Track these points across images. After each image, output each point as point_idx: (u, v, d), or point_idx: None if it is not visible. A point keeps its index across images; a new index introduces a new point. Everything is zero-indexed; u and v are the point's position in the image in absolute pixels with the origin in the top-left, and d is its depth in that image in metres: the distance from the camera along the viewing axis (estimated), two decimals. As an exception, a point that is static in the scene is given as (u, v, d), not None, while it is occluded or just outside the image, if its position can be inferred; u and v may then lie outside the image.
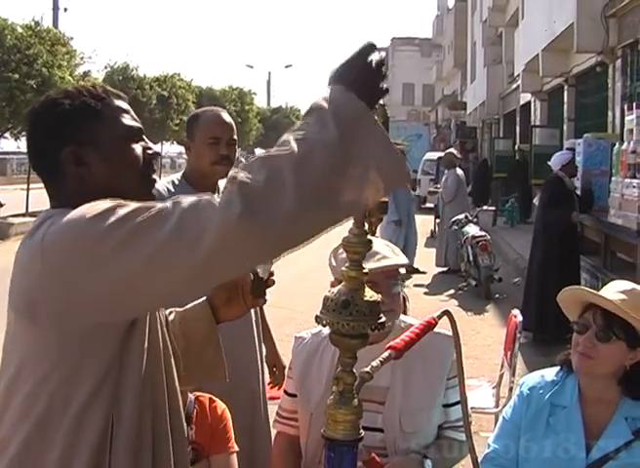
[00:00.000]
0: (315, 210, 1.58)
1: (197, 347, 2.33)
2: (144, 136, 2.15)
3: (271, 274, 2.25)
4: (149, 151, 2.13)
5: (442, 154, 19.84)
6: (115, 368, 1.90)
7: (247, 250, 1.59)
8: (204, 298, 2.35)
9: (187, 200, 1.65)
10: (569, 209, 9.80)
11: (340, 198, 1.59)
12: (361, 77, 1.69)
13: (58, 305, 1.79)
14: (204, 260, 1.60)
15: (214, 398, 3.25)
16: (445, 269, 15.27)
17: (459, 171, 15.73)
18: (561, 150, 15.94)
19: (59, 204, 2.00)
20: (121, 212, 1.72)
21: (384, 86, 1.74)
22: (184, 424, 2.18)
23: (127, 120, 2.11)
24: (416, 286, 13.46)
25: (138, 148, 2.09)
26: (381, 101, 1.94)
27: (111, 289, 1.72)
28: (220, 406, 3.25)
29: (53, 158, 2.02)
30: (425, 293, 13.24)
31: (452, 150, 17.73)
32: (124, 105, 2.14)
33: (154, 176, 2.15)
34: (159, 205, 1.69)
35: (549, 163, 10.43)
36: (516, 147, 25.39)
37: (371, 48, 1.72)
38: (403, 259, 3.04)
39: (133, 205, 1.74)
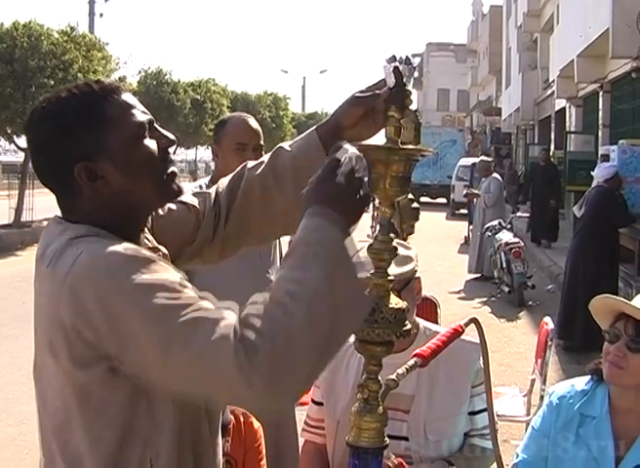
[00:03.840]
0: (320, 360, 1.63)
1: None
2: (157, 125, 1.99)
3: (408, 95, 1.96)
4: (163, 141, 1.96)
5: (476, 160, 19.79)
6: (143, 402, 1.80)
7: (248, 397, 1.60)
8: (315, 136, 2.12)
9: (221, 324, 1.60)
10: (623, 219, 9.84)
11: (340, 338, 1.66)
12: (334, 195, 1.69)
13: (73, 350, 1.72)
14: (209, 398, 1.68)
15: (247, 413, 3.25)
16: (478, 275, 15.21)
17: (498, 176, 15.72)
18: (596, 157, 15.92)
19: (75, 218, 1.89)
20: (157, 284, 1.66)
21: (363, 192, 1.73)
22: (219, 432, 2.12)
23: (135, 116, 1.92)
24: (449, 292, 13.41)
25: (151, 144, 1.92)
26: (414, 107, 1.95)
27: (122, 352, 1.68)
28: (255, 423, 3.24)
29: (63, 176, 1.88)
30: (458, 300, 13.19)
31: (484, 157, 17.77)
32: (129, 99, 1.95)
33: (172, 169, 1.98)
34: (199, 303, 1.66)
35: (593, 174, 10.36)
36: (551, 152, 25.06)
37: (336, 162, 1.72)
38: (406, 268, 2.99)
39: (172, 283, 1.69)
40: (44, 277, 1.80)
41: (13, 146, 22.76)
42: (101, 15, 35.36)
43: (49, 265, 1.78)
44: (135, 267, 1.67)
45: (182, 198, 2.17)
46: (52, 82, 18.72)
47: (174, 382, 1.67)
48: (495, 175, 15.63)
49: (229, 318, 1.61)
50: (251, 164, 2.22)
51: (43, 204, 22.70)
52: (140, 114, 1.94)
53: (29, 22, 19.87)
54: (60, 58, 19.40)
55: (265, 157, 2.20)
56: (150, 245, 2.01)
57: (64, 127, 1.86)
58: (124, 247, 1.73)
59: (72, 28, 20.95)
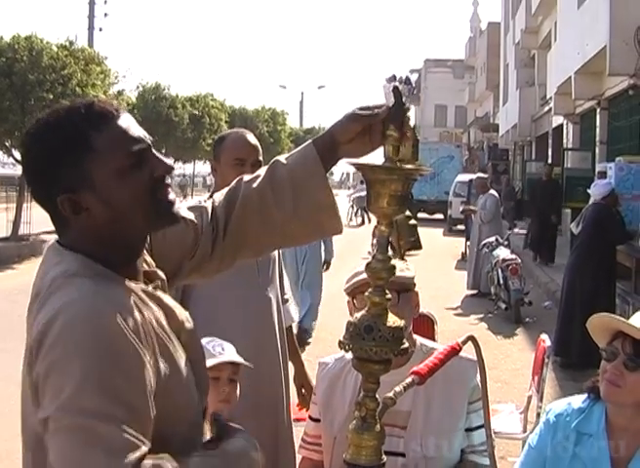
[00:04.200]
0: None
1: (306, 205, 2.06)
2: (153, 150, 1.89)
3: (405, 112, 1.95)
4: (160, 168, 1.87)
5: (473, 177, 19.80)
6: None
7: None
8: (312, 149, 2.06)
9: (126, 459, 1.58)
10: (620, 236, 9.88)
11: None
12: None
13: (34, 393, 1.72)
14: None
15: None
16: (475, 292, 15.23)
17: (495, 193, 15.77)
18: (593, 173, 15.93)
19: (69, 243, 1.85)
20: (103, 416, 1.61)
21: None
22: None
23: (124, 146, 1.82)
24: (446, 308, 13.40)
25: (141, 175, 1.83)
26: (412, 123, 1.96)
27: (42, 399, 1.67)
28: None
29: (50, 206, 1.83)
30: (455, 316, 13.19)
31: (481, 174, 17.87)
32: (122, 124, 1.84)
33: (170, 197, 1.90)
34: (125, 423, 1.62)
35: (589, 191, 10.39)
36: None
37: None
38: (408, 274, 3.01)
39: (125, 392, 1.64)
40: (30, 317, 1.78)
41: (11, 159, 22.78)
42: (101, 29, 35.57)
43: (40, 304, 1.75)
44: (102, 354, 1.63)
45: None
46: (51, 96, 18.77)
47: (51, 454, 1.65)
48: (491, 191, 15.69)
49: (134, 455, 1.60)
50: (247, 177, 2.18)
51: (41, 217, 22.77)
52: (132, 142, 1.84)
53: (30, 36, 19.91)
54: (59, 73, 19.43)
55: (261, 170, 2.16)
56: (148, 268, 1.98)
57: (48, 157, 1.80)
58: (109, 315, 1.67)
59: (71, 42, 21.02)
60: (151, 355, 1.73)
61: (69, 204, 1.79)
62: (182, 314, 1.95)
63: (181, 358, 1.85)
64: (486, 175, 17.92)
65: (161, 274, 2.01)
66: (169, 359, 1.80)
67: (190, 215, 2.15)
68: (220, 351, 3.16)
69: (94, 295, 1.70)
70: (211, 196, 3.83)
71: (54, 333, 1.65)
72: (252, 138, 3.92)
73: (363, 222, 34.78)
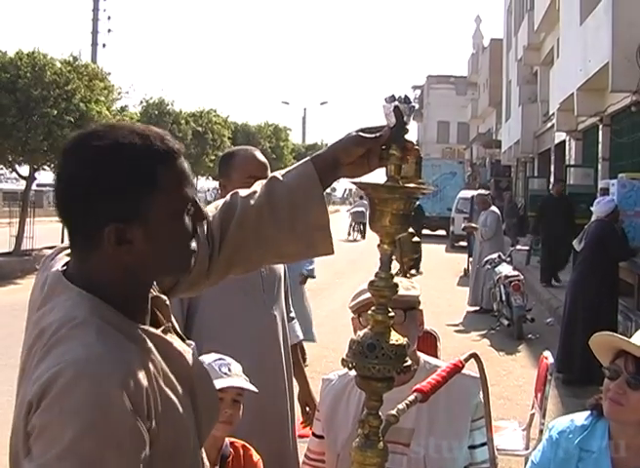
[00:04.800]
0: None
1: (302, 225, 2.04)
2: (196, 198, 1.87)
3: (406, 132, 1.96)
4: (197, 218, 1.87)
5: (476, 193, 19.83)
6: None
7: None
8: (311, 169, 2.04)
9: None
10: (623, 253, 9.97)
11: None
12: None
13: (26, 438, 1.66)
14: None
15: (247, 445, 3.25)
16: (477, 308, 15.22)
17: (496, 209, 15.77)
18: (595, 190, 15.94)
19: (84, 270, 1.79)
20: None
21: None
22: None
23: (185, 189, 1.81)
24: (448, 325, 13.38)
25: (188, 220, 1.83)
26: (415, 140, 1.96)
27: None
28: (255, 455, 3.24)
29: (90, 230, 1.75)
30: (457, 332, 13.17)
31: (482, 191, 17.89)
32: (184, 166, 1.83)
33: (194, 246, 1.87)
34: None
35: (592, 209, 10.40)
36: (551, 181, 24.30)
37: None
38: (414, 292, 3.03)
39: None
40: (32, 363, 1.73)
41: (14, 174, 22.81)
42: (104, 45, 35.70)
43: (43, 354, 1.69)
44: (97, 423, 1.58)
45: None
46: (54, 111, 18.82)
47: None
48: (492, 208, 15.70)
49: None
50: (243, 193, 2.14)
51: (43, 232, 22.74)
52: (190, 187, 1.84)
53: (33, 52, 19.96)
54: (62, 88, 19.48)
55: (257, 186, 2.14)
56: (152, 293, 1.94)
57: (109, 182, 1.71)
58: (111, 383, 1.61)
59: (75, 58, 21.07)
60: (152, 419, 1.68)
61: (116, 234, 1.72)
62: (194, 359, 1.93)
63: (184, 411, 1.82)
64: (487, 192, 17.93)
65: (165, 299, 1.99)
66: (171, 416, 1.76)
67: None
68: (227, 372, 3.14)
69: (99, 357, 1.64)
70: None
71: (53, 393, 1.60)
72: (261, 156, 3.97)
73: (364, 237, 34.93)
